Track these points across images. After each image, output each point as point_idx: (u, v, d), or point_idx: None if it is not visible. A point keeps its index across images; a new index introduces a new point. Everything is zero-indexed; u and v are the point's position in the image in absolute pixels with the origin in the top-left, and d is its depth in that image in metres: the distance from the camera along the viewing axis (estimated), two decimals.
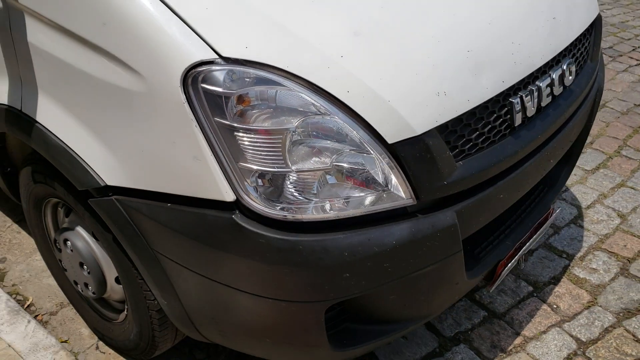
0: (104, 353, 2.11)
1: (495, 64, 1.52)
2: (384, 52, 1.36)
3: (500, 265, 1.83)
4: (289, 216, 1.31)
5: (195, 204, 1.36)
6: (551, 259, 2.60)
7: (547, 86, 1.68)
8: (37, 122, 1.61)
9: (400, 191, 1.39)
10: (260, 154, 1.27)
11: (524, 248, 1.92)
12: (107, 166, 1.47)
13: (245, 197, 1.30)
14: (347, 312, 1.60)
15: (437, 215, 1.46)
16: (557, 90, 1.74)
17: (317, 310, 1.42)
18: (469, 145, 1.50)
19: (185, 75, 1.24)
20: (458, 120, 1.45)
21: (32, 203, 2.01)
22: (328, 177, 1.33)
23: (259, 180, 1.30)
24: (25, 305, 2.29)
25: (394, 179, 1.38)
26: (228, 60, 1.25)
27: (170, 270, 1.51)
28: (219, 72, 1.24)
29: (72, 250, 1.87)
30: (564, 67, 1.76)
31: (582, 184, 3.15)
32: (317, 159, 1.30)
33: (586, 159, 3.37)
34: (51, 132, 1.58)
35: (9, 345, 1.99)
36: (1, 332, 2.04)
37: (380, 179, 1.37)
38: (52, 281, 2.36)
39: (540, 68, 1.67)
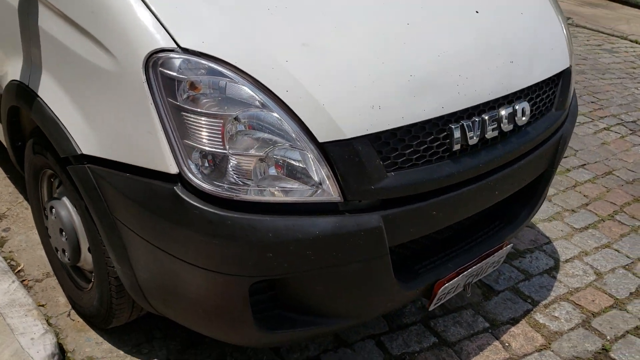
0: (73, 320, 2.30)
1: (437, 90, 1.69)
2: (327, 63, 1.55)
3: (438, 285, 1.94)
4: (224, 194, 1.49)
5: (146, 175, 1.56)
6: (515, 302, 2.67)
7: (493, 120, 1.83)
8: (38, 95, 1.87)
9: (328, 188, 1.56)
10: (203, 135, 1.47)
11: (467, 273, 2.03)
12: (84, 136, 1.69)
13: (187, 171, 1.49)
14: (279, 298, 1.74)
15: (364, 216, 1.61)
16: (506, 127, 1.88)
17: (241, 284, 1.58)
18: (402, 159, 1.66)
19: (148, 58, 1.46)
20: (391, 134, 1.62)
21: (32, 174, 2.26)
22: (265, 165, 1.51)
23: (202, 159, 1.49)
24: (16, 270, 2.52)
25: (323, 176, 1.55)
26: (186, 51, 1.46)
27: (125, 236, 1.70)
28: (176, 60, 1.45)
29: (55, 217, 2.09)
30: (517, 107, 1.91)
31: (566, 240, 3.21)
32: (254, 147, 1.49)
33: (576, 218, 3.43)
34: (47, 104, 1.82)
35: None
36: None
37: (311, 173, 1.54)
38: (44, 253, 2.58)
39: (487, 103, 1.83)
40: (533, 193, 2.29)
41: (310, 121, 1.50)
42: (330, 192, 1.57)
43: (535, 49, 2.06)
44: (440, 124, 1.72)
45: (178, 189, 1.51)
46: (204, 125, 1.47)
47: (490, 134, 1.84)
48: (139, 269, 1.73)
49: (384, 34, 1.69)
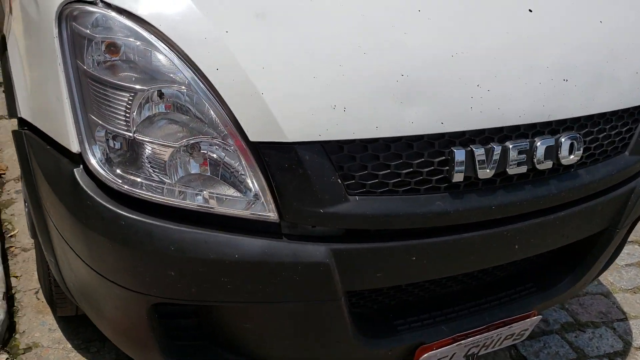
0: (38, 300, 2.12)
1: (437, 100, 1.28)
2: (282, 42, 1.20)
3: (422, 350, 1.51)
4: (124, 187, 1.19)
5: (58, 149, 1.30)
6: None
7: (520, 152, 1.38)
8: (6, 51, 1.69)
9: (262, 201, 1.21)
10: (110, 111, 1.18)
11: (467, 342, 1.58)
12: (23, 97, 1.47)
13: (88, 152, 1.20)
14: (204, 329, 1.42)
15: (305, 245, 1.24)
16: (542, 164, 1.41)
17: (140, 303, 1.27)
18: (372, 181, 1.26)
19: (62, 9, 1.19)
20: (360, 146, 1.23)
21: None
22: (182, 160, 1.19)
23: (107, 140, 1.20)
24: (9, 235, 2.40)
25: (255, 185, 1.20)
26: (108, 5, 1.18)
27: (47, 219, 1.46)
28: (91, 14, 1.17)
29: None
30: (562, 140, 1.43)
31: None
32: (168, 134, 1.18)
33: None
34: (9, 62, 1.64)
35: None
36: None
37: (239, 179, 1.20)
38: None
39: (516, 128, 1.38)
40: (583, 257, 1.77)
41: (241, 112, 1.16)
42: (265, 207, 1.21)
43: (610, 69, 1.55)
44: (437, 145, 1.30)
45: (77, 172, 1.23)
46: (111, 99, 1.17)
47: (514, 169, 1.38)
48: (58, 257, 1.49)
49: (378, 16, 1.30)
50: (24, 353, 1.92)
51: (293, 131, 1.16)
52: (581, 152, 1.48)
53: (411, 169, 1.29)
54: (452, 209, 1.33)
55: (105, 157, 1.20)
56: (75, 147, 1.22)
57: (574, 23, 1.55)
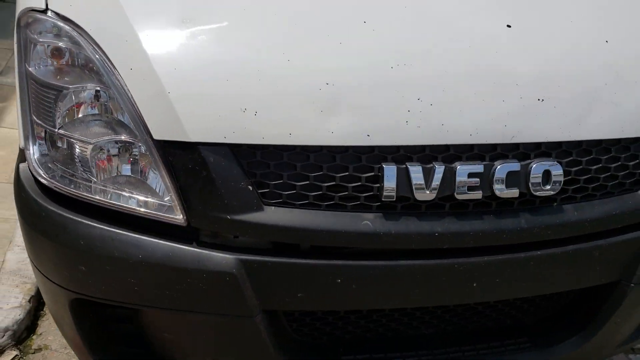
0: None
1: (364, 111, 1.20)
2: (200, 46, 1.20)
3: None
4: (47, 180, 1.25)
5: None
6: None
7: (471, 175, 1.23)
8: None
9: (167, 202, 1.20)
10: (43, 109, 1.25)
11: None
12: None
13: (30, 147, 1.29)
14: (139, 336, 1.41)
15: (212, 253, 1.20)
16: (505, 192, 1.25)
17: (62, 296, 1.30)
18: (289, 192, 1.20)
19: (20, 17, 1.32)
20: (274, 153, 1.18)
21: None
22: (100, 157, 1.23)
23: (44, 138, 1.28)
24: None
25: (162, 185, 1.20)
26: (57, 15, 1.28)
27: None
28: (38, 22, 1.28)
29: None
30: (533, 166, 1.26)
31: None
32: (87, 131, 1.23)
33: None
34: None
35: None
36: None
37: (149, 178, 1.21)
38: None
39: (469, 147, 1.24)
40: (592, 314, 1.50)
41: (148, 110, 1.17)
42: (172, 209, 1.20)
43: (609, 92, 1.35)
44: (364, 159, 1.21)
45: (21, 167, 1.33)
46: (44, 98, 1.25)
47: (465, 194, 1.24)
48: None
49: (315, 26, 1.26)
50: (33, 353, 2.04)
51: (196, 131, 1.15)
52: (561, 183, 1.29)
53: (334, 182, 1.21)
54: (383, 231, 1.22)
55: (40, 153, 1.27)
56: (21, 144, 1.31)
57: (566, 41, 1.39)
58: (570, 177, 1.32)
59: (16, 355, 2.00)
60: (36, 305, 2.19)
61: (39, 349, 2.05)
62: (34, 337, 2.11)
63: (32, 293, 2.20)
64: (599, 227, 1.36)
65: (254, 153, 1.18)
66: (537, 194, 1.28)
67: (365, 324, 1.43)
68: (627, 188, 1.40)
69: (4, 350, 2.00)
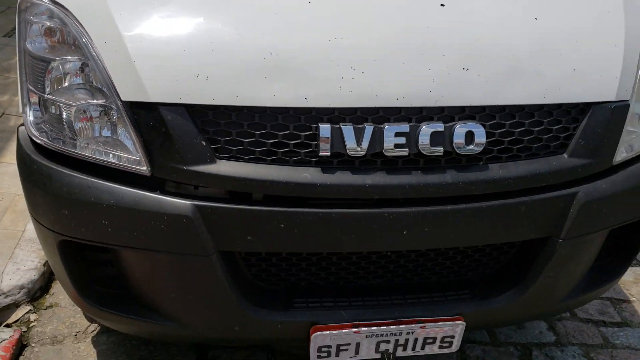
0: None
1: (303, 77, 1.38)
2: (165, 21, 1.41)
3: (314, 330, 1.55)
4: (40, 139, 1.48)
5: None
6: None
7: (398, 135, 1.40)
8: None
9: (135, 155, 1.41)
10: (36, 78, 1.48)
11: (372, 332, 1.58)
12: None
13: (26, 112, 1.52)
14: (122, 279, 1.62)
15: (172, 199, 1.41)
16: (430, 150, 1.42)
17: (51, 238, 1.52)
18: (238, 147, 1.40)
19: (20, 3, 1.56)
20: (224, 113, 1.38)
21: None
22: (79, 117, 1.45)
23: (37, 103, 1.51)
24: None
25: (130, 141, 1.41)
26: (50, 0, 1.51)
27: None
28: (34, 6, 1.51)
29: None
30: (456, 127, 1.42)
31: None
32: (71, 95, 1.45)
33: None
34: None
35: None
36: None
37: (120, 135, 1.42)
38: None
39: (396, 110, 1.41)
40: (526, 269, 1.64)
41: (117, 76, 1.39)
42: (139, 162, 1.42)
43: (534, 63, 1.50)
44: (303, 119, 1.39)
45: (20, 129, 1.56)
46: (37, 69, 1.48)
47: (392, 151, 1.41)
48: None
49: (264, 5, 1.46)
50: (44, 309, 2.29)
51: (156, 93, 1.36)
52: (483, 143, 1.44)
53: (277, 140, 1.40)
54: (320, 182, 1.40)
55: (34, 116, 1.50)
56: (20, 110, 1.55)
57: (496, 18, 1.54)
58: (494, 138, 1.47)
59: (30, 309, 2.26)
60: (50, 270, 2.44)
61: (50, 306, 2.30)
62: (47, 296, 2.36)
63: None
64: (524, 185, 1.50)
65: (206, 113, 1.38)
66: (462, 152, 1.44)
67: (316, 271, 1.61)
68: (552, 151, 1.54)
69: (20, 305, 2.25)
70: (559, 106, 1.51)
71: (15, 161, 1.60)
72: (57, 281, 2.38)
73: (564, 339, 2.30)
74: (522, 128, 1.49)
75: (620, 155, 1.61)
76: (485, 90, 1.45)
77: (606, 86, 1.55)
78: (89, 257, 1.59)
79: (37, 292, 2.34)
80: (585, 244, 1.64)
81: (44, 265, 2.40)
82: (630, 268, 2.71)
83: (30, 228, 2.57)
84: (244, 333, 1.59)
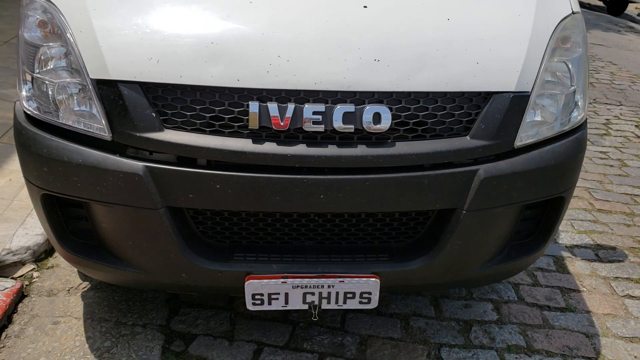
0: None
1: (237, 62, 1.68)
2: (129, 14, 1.72)
3: (248, 278, 1.83)
4: (29, 110, 1.82)
5: None
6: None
7: (315, 113, 1.68)
8: None
9: (99, 123, 1.73)
10: (29, 60, 1.83)
11: (298, 284, 1.84)
12: None
13: (21, 89, 1.87)
14: (96, 231, 1.94)
15: (127, 160, 1.72)
16: (343, 127, 1.68)
17: (35, 194, 1.86)
18: (182, 119, 1.70)
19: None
20: (171, 90, 1.68)
21: None
22: (60, 92, 1.78)
23: (29, 81, 1.85)
24: None
25: (96, 110, 1.73)
26: None
27: None
28: (32, 2, 1.86)
29: None
30: (366, 108, 1.69)
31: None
32: (55, 74, 1.78)
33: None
34: None
35: None
36: None
37: (89, 107, 1.75)
38: None
39: (314, 92, 1.69)
40: (436, 238, 1.88)
41: (87, 58, 1.71)
42: (103, 129, 1.73)
43: (439, 56, 1.75)
44: (236, 97, 1.69)
45: (16, 104, 1.91)
46: (29, 52, 1.83)
47: (310, 127, 1.68)
48: None
49: (212, 4, 1.76)
50: (46, 269, 2.63)
51: (116, 72, 1.68)
52: (389, 123, 1.70)
53: (214, 114, 1.69)
54: (249, 151, 1.69)
55: (26, 92, 1.85)
56: (18, 87, 1.90)
57: (411, 18, 1.80)
58: (400, 120, 1.73)
59: (33, 268, 2.61)
60: None
61: (51, 267, 2.65)
62: (50, 258, 2.71)
63: None
64: (427, 161, 1.75)
65: (156, 89, 1.69)
66: (370, 130, 1.70)
67: (255, 231, 1.89)
68: (456, 132, 1.78)
69: (25, 263, 2.61)
70: (462, 94, 1.76)
71: None
72: None
73: (505, 318, 2.50)
74: (427, 112, 1.75)
75: (522, 140, 1.84)
76: (393, 78, 1.71)
77: (507, 78, 1.79)
78: (67, 212, 1.91)
79: (42, 255, 2.70)
80: (490, 217, 1.87)
81: None
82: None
83: None
84: (190, 280, 1.88)
